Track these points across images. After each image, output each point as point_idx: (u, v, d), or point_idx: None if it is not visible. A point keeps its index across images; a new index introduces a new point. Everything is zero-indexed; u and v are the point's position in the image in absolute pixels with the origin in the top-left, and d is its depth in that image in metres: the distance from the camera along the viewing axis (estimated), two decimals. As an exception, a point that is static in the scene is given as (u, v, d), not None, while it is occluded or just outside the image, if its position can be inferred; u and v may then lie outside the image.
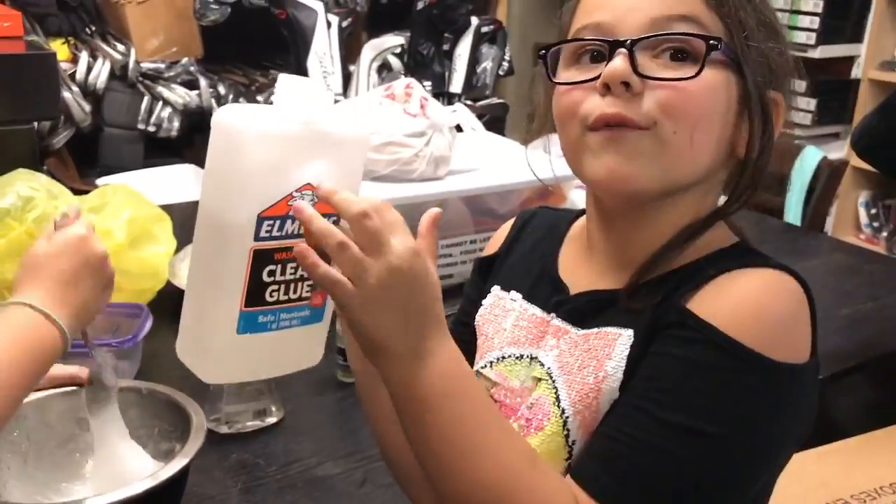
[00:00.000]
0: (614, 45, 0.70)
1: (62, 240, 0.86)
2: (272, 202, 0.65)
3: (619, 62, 0.69)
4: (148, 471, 0.89)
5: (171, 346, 1.37)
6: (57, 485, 0.94)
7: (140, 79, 2.56)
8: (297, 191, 0.65)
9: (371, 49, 2.70)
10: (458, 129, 1.61)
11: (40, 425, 0.96)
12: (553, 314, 0.79)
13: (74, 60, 2.48)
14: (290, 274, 0.68)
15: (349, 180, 0.69)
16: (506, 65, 3.27)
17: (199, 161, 2.40)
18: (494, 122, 2.96)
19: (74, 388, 0.97)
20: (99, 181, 2.09)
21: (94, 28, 2.60)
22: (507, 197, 1.63)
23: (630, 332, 0.71)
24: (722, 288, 0.69)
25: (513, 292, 0.84)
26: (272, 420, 1.15)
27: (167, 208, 1.50)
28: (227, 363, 0.70)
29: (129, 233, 1.35)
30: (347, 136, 0.69)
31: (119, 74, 2.52)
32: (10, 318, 0.80)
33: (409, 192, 1.48)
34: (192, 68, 2.64)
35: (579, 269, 0.81)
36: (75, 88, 2.43)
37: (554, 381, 0.75)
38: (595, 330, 0.74)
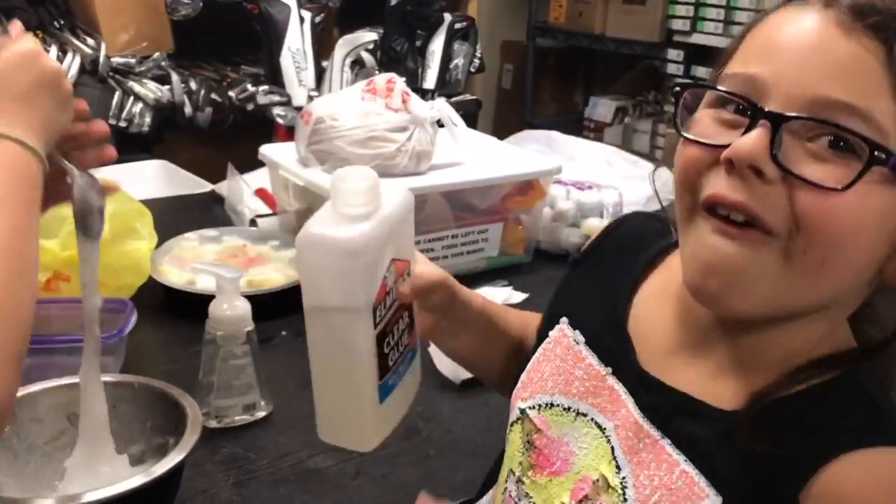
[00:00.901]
0: (757, 113, 0.56)
1: (12, 56, 0.78)
2: (376, 291, 0.70)
3: (753, 139, 0.55)
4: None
5: (154, 340, 1.38)
6: (48, 481, 0.93)
7: (111, 73, 2.53)
8: (387, 271, 0.71)
9: (344, 44, 2.69)
10: (439, 124, 1.61)
11: (30, 421, 0.95)
12: (617, 379, 0.68)
13: (43, 54, 2.44)
14: (398, 333, 0.75)
15: (410, 232, 0.77)
16: (477, 61, 3.28)
17: (171, 156, 2.39)
18: (467, 118, 2.96)
19: (63, 383, 0.97)
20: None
21: (62, 22, 2.56)
22: (487, 192, 1.64)
23: (719, 501, 0.60)
24: (858, 470, 0.56)
25: (577, 332, 0.74)
26: (261, 414, 1.14)
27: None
28: (376, 428, 0.76)
29: (111, 228, 1.33)
30: (401, 204, 0.74)
31: (89, 69, 2.48)
32: None
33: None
34: (163, 63, 2.61)
35: (658, 327, 0.69)
36: (45, 83, 2.40)
37: (626, 502, 0.64)
38: (682, 465, 0.61)
